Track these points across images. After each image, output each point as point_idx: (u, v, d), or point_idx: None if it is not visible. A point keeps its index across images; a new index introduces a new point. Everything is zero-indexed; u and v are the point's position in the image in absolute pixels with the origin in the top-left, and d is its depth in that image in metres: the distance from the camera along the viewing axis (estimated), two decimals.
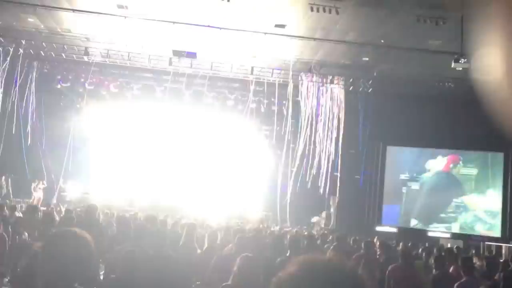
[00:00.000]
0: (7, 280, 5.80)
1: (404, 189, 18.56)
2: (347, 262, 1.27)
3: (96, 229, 5.79)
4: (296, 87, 18.01)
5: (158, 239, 5.79)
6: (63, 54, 17.32)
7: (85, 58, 17.34)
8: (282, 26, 13.91)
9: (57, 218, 8.80)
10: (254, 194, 20.27)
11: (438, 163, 18.31)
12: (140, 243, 5.29)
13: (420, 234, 16.73)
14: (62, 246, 2.12)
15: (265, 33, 14.33)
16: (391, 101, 17.14)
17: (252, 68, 17.46)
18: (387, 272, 6.10)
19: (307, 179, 17.71)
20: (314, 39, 14.59)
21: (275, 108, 18.66)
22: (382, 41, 14.11)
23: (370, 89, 17.52)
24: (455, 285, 5.48)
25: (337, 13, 12.19)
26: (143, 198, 18.28)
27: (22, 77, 17.96)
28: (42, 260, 2.16)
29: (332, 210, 18.19)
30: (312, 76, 17.73)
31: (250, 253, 4.16)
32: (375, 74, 16.77)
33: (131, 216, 10.84)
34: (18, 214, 9.72)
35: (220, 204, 18.61)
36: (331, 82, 18.00)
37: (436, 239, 16.37)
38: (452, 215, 17.78)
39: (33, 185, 17.83)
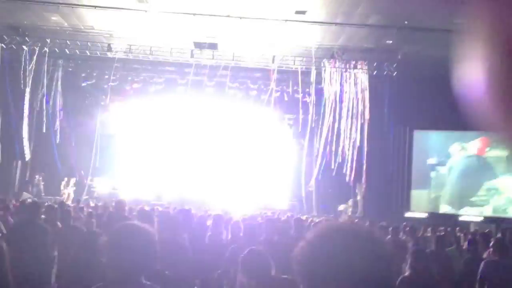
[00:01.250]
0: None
1: (432, 174, 18.24)
2: (362, 224, 1.28)
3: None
4: (318, 74, 17.83)
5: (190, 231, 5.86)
6: (87, 51, 17.54)
7: (108, 55, 17.54)
8: (303, 12, 13.77)
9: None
10: (280, 184, 20.26)
11: (467, 146, 17.92)
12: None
13: (450, 219, 16.40)
14: (127, 239, 2.20)
15: (286, 21, 14.23)
16: (417, 85, 16.78)
17: (274, 56, 17.37)
18: (410, 255, 5.99)
19: (333, 167, 17.57)
20: (336, 24, 14.41)
21: (298, 96, 18.53)
22: (406, 22, 13.81)
23: (395, 73, 17.20)
24: (483, 262, 5.36)
25: None
26: (171, 192, 18.48)
27: (48, 76, 18.29)
28: (108, 254, 2.21)
29: (359, 197, 18.01)
30: (335, 62, 17.51)
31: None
32: (399, 57, 16.44)
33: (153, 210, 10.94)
34: None
35: (246, 195, 18.68)
36: (355, 67, 17.75)
37: (468, 224, 16.05)
38: (484, 198, 17.39)
39: (63, 182, 18.22)
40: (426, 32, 14.07)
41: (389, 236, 7.67)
